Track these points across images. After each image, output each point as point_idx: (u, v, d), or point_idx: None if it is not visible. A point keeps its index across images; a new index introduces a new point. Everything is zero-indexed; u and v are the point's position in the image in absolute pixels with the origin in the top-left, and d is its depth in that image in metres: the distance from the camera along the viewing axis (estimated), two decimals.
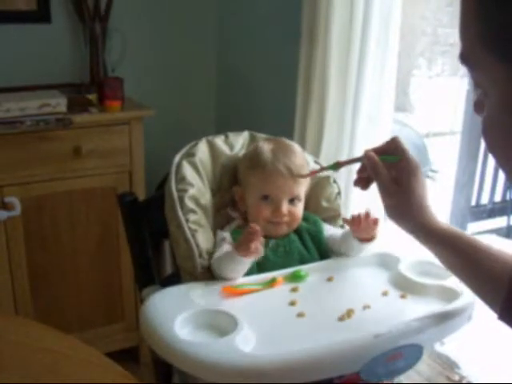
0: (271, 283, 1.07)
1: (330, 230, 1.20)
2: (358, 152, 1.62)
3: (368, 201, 1.39)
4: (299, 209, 1.16)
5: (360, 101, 1.58)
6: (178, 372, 1.11)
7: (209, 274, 1.09)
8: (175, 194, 1.12)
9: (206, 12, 2.32)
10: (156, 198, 1.24)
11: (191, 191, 1.13)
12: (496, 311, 0.81)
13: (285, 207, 1.13)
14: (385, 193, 0.94)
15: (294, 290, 1.06)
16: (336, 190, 1.28)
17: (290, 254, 1.15)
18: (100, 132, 1.81)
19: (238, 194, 1.19)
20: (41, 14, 2.02)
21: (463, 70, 0.57)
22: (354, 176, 1.02)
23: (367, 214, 1.07)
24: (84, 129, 1.78)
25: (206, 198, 1.17)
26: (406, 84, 4.83)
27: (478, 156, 2.72)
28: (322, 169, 1.15)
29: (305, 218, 1.19)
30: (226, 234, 1.14)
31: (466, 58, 0.55)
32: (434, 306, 1.01)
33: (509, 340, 1.73)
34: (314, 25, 1.59)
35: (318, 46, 1.59)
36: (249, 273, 1.08)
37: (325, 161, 1.55)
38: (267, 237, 1.14)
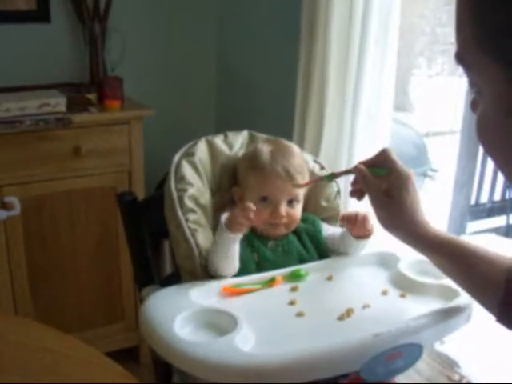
0: (270, 283, 1.07)
1: (329, 230, 1.20)
2: (358, 151, 1.62)
3: (367, 199, 1.39)
4: (297, 210, 1.16)
5: (359, 99, 1.58)
6: (178, 372, 1.11)
7: (209, 274, 1.09)
8: (175, 194, 1.12)
9: (206, 12, 2.32)
10: (155, 198, 1.24)
11: (191, 191, 1.13)
12: (494, 314, 0.82)
13: (283, 209, 1.13)
14: (376, 205, 0.95)
15: (294, 289, 1.06)
16: (335, 190, 1.28)
17: (289, 254, 1.15)
18: (99, 132, 1.81)
19: (237, 194, 1.19)
20: (40, 14, 2.02)
21: (462, 70, 0.57)
22: (354, 176, 1.02)
23: (357, 213, 1.09)
24: (83, 128, 1.78)
25: (206, 197, 1.17)
26: (406, 83, 4.83)
27: (478, 155, 2.72)
28: (318, 180, 1.17)
29: (303, 219, 1.19)
30: None
31: (461, 58, 0.55)
32: (433, 305, 1.01)
33: (508, 339, 1.73)
34: (313, 24, 1.59)
35: (318, 45, 1.59)
36: (248, 272, 1.08)
37: (325, 160, 1.55)
38: (266, 237, 1.15)
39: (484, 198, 3.17)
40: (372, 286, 1.09)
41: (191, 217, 1.11)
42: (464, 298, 1.00)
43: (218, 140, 1.24)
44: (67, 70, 2.08)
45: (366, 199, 1.00)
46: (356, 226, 1.10)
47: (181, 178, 1.14)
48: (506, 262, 0.84)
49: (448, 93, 4.45)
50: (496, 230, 3.04)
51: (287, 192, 1.13)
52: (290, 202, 1.15)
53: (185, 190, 1.12)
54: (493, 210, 3.17)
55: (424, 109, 4.95)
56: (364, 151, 1.59)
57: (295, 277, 1.09)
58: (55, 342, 0.91)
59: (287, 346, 0.88)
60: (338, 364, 0.88)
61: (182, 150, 1.20)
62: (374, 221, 1.09)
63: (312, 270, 1.12)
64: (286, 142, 1.23)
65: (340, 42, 1.56)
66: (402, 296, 1.06)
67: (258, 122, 2.11)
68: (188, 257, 1.09)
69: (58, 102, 1.74)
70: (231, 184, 1.22)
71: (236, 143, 1.25)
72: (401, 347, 0.91)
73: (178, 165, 1.16)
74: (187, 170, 1.15)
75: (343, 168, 1.62)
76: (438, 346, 1.93)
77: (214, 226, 1.18)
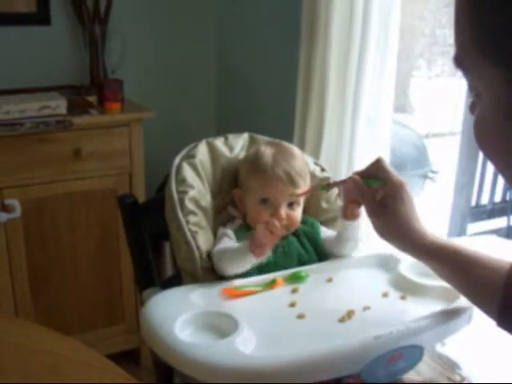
0: (271, 284, 1.07)
1: (327, 233, 1.21)
2: (358, 153, 1.62)
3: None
4: (298, 213, 1.17)
5: (359, 101, 1.58)
6: (179, 374, 1.11)
7: (210, 276, 1.09)
8: (175, 196, 1.12)
9: (206, 12, 2.32)
10: (156, 200, 1.24)
11: (191, 193, 1.13)
12: (494, 319, 0.81)
13: (283, 211, 1.13)
14: (371, 215, 0.95)
15: (294, 291, 1.06)
16: (336, 192, 1.28)
17: (289, 255, 1.15)
18: (100, 134, 1.81)
19: (237, 196, 1.19)
20: (40, 16, 2.02)
21: (461, 73, 0.57)
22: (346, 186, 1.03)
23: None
24: (84, 131, 1.78)
25: (207, 199, 1.17)
26: (406, 85, 4.84)
27: (478, 156, 2.72)
28: (314, 189, 1.18)
29: (303, 221, 1.19)
30: (229, 231, 1.14)
31: (460, 61, 0.55)
32: (434, 307, 1.00)
33: (509, 341, 1.73)
34: (313, 25, 1.59)
35: (318, 46, 1.59)
36: (249, 274, 1.08)
37: (325, 161, 1.55)
38: None
39: (485, 200, 3.16)
40: (372, 288, 1.09)
41: (192, 219, 1.11)
42: (465, 299, 1.00)
43: (219, 142, 1.24)
44: (67, 72, 2.08)
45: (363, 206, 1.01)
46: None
47: (182, 181, 1.14)
48: (504, 266, 0.84)
49: (448, 94, 4.45)
50: (497, 232, 3.04)
51: (288, 195, 1.14)
52: (291, 205, 1.15)
53: (186, 192, 1.13)
54: (493, 211, 3.17)
55: (424, 110, 4.95)
56: (364, 154, 1.60)
57: (296, 278, 1.09)
58: (55, 344, 0.91)
59: (288, 348, 0.88)
60: (339, 366, 0.88)
61: (183, 152, 1.20)
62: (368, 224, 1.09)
63: (313, 271, 1.12)
64: (288, 145, 1.23)
65: (340, 43, 1.56)
66: (403, 298, 1.05)
67: (258, 123, 2.11)
68: (189, 259, 1.09)
69: (58, 105, 1.74)
70: (232, 186, 1.22)
71: (237, 145, 1.25)
72: (402, 349, 0.91)
73: (179, 167, 1.16)
74: (188, 172, 1.16)
75: (343, 169, 1.62)
76: (438, 348, 1.93)
77: (215, 228, 1.18)
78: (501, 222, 3.13)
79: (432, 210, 2.90)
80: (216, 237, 1.15)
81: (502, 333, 0.82)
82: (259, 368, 0.84)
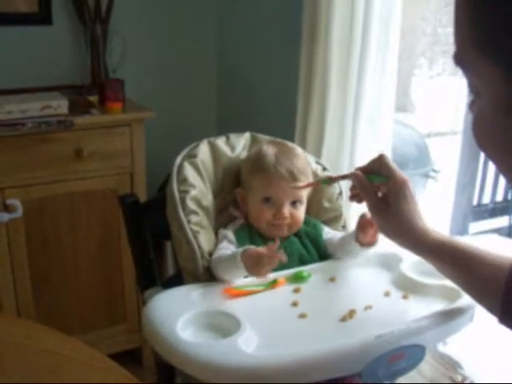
0: (273, 284, 1.07)
1: (329, 234, 1.20)
2: (359, 153, 1.62)
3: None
4: (301, 212, 1.16)
5: (361, 101, 1.58)
6: (181, 373, 1.11)
7: (211, 275, 1.09)
8: (177, 196, 1.12)
9: (206, 12, 2.32)
10: (157, 200, 1.24)
11: (193, 192, 1.13)
12: (496, 315, 0.81)
13: (286, 209, 1.13)
14: (373, 212, 0.95)
15: (296, 290, 1.06)
16: (337, 191, 1.28)
17: (291, 255, 1.15)
18: (101, 134, 1.81)
19: (240, 195, 1.19)
20: (42, 16, 2.02)
21: (461, 71, 0.57)
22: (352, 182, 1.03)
23: (370, 220, 1.06)
24: (85, 130, 1.78)
25: (208, 199, 1.17)
26: (407, 84, 4.83)
27: (480, 155, 2.72)
28: (316, 183, 1.17)
29: (305, 221, 1.19)
30: (229, 233, 1.14)
31: (459, 59, 0.55)
32: (436, 306, 1.00)
33: (511, 340, 1.73)
34: (314, 26, 1.59)
35: (319, 47, 1.59)
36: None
37: (326, 161, 1.55)
38: (268, 238, 1.15)
39: (486, 199, 3.16)
40: (374, 287, 1.09)
41: (193, 219, 1.11)
42: (467, 298, 1.00)
43: (220, 142, 1.24)
44: (69, 72, 2.09)
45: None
46: (368, 234, 1.09)
47: (183, 180, 1.14)
48: (506, 262, 0.84)
49: (449, 93, 4.45)
50: (498, 231, 3.04)
51: (291, 193, 1.13)
52: (294, 204, 1.15)
53: (187, 192, 1.12)
54: (495, 210, 3.17)
55: (425, 109, 4.95)
56: (365, 153, 1.59)
57: (298, 278, 1.09)
58: (57, 344, 0.91)
59: (290, 348, 0.88)
60: (341, 365, 0.88)
61: (184, 152, 1.20)
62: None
63: (314, 271, 1.12)
64: (290, 144, 1.23)
65: (341, 43, 1.56)
66: (405, 297, 1.05)
67: (258, 123, 2.11)
68: (190, 259, 1.09)
69: (59, 105, 1.74)
70: (234, 186, 1.22)
71: (238, 145, 1.25)
72: (403, 348, 0.90)
73: (180, 166, 1.16)
74: (189, 172, 1.15)
75: (344, 169, 1.62)
76: (440, 347, 1.93)
77: (216, 227, 1.18)
78: (502, 221, 3.14)
79: (434, 209, 2.90)
80: (217, 238, 1.15)
81: (504, 332, 0.82)
82: (261, 367, 0.84)
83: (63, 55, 2.09)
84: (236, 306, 0.99)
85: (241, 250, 1.04)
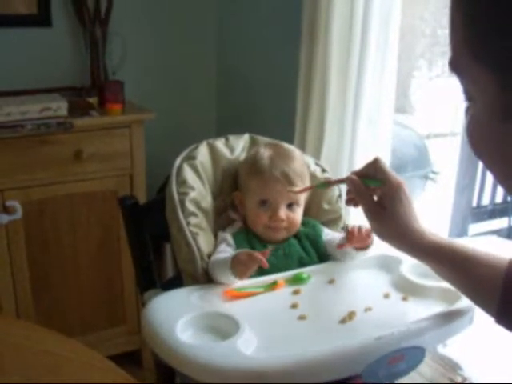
0: (273, 286, 1.07)
1: (329, 235, 1.20)
2: (359, 154, 1.62)
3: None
4: (298, 214, 1.16)
5: (360, 102, 1.58)
6: (181, 375, 1.11)
7: (210, 277, 1.09)
8: (176, 197, 1.12)
9: (206, 12, 2.32)
10: (157, 201, 1.24)
11: (192, 194, 1.13)
12: (493, 316, 0.81)
13: (282, 212, 1.13)
14: (369, 216, 0.95)
15: (296, 292, 1.06)
16: (337, 193, 1.28)
17: (290, 257, 1.15)
18: (101, 135, 1.81)
19: (238, 198, 1.19)
20: (41, 18, 2.03)
21: (456, 77, 0.57)
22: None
23: (359, 228, 1.09)
24: (85, 132, 1.78)
25: (207, 201, 1.17)
26: (407, 85, 4.83)
27: None
28: (312, 187, 1.17)
29: (304, 223, 1.19)
30: (228, 236, 1.14)
31: (454, 64, 0.55)
32: (435, 308, 1.00)
33: (510, 341, 1.73)
34: (314, 25, 1.59)
35: (319, 47, 1.59)
36: (250, 276, 1.08)
37: (326, 162, 1.55)
38: (267, 241, 1.15)
39: (486, 200, 3.16)
40: (374, 289, 1.09)
41: (193, 220, 1.11)
42: (466, 301, 1.00)
43: (220, 143, 1.24)
44: (68, 73, 2.09)
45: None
46: (356, 240, 1.10)
47: (182, 182, 1.14)
48: (502, 263, 0.84)
49: (449, 94, 4.45)
50: (498, 232, 3.04)
51: (286, 196, 1.13)
52: (290, 206, 1.15)
53: (186, 194, 1.13)
54: (494, 212, 3.17)
55: (425, 111, 4.95)
56: (365, 154, 1.59)
57: (297, 280, 1.09)
58: (57, 345, 0.91)
59: (289, 349, 0.88)
60: (340, 367, 0.88)
61: (184, 154, 1.20)
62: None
63: (314, 273, 1.12)
64: (287, 146, 1.23)
65: (341, 43, 1.56)
66: (404, 299, 1.05)
67: (258, 123, 2.11)
68: (189, 260, 1.09)
69: (59, 106, 1.75)
70: (233, 188, 1.22)
71: (237, 147, 1.25)
72: (403, 350, 0.91)
73: (180, 168, 1.16)
74: (189, 174, 1.15)
75: (344, 170, 1.62)
76: (440, 349, 1.93)
77: (216, 229, 1.18)
78: (502, 223, 3.14)
79: (433, 210, 2.90)
80: (216, 241, 1.15)
81: (503, 333, 0.82)
82: (260, 369, 0.84)
83: (63, 57, 2.09)
84: (235, 308, 0.99)
85: (234, 253, 1.05)
